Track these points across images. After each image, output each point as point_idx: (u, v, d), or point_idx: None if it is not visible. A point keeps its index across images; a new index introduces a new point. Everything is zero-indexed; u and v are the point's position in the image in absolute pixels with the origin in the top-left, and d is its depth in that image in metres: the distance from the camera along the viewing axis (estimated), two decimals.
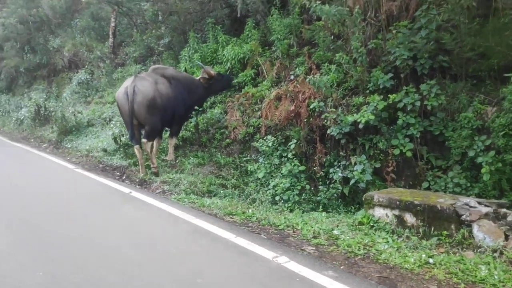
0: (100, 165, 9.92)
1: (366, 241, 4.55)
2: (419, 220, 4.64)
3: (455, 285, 3.50)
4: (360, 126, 6.54)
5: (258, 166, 7.77)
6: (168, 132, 9.56)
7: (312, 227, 5.06)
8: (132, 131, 8.34)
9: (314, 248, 4.48)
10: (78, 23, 20.10)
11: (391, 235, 4.71)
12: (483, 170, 5.55)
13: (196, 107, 9.32)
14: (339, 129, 6.90)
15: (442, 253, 4.13)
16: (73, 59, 20.14)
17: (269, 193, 6.99)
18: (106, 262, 4.19)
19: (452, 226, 4.37)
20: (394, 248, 4.33)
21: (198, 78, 9.52)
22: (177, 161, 9.12)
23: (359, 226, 5.08)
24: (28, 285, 3.69)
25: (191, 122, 9.70)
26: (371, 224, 5.03)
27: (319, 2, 7.04)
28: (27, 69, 22.19)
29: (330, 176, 7.02)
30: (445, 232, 4.40)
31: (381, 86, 6.82)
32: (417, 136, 6.38)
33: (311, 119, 7.55)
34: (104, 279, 3.79)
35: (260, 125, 8.48)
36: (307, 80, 7.34)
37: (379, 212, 5.10)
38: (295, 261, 4.01)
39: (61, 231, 5.20)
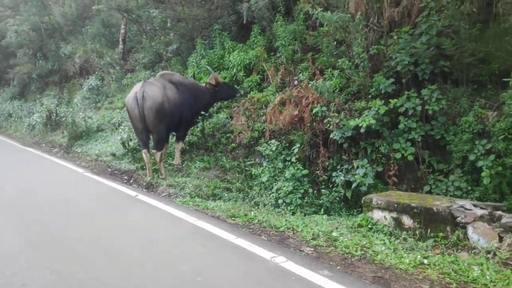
0: (109, 169, 10.13)
1: (364, 242, 4.65)
2: (416, 222, 4.73)
3: (447, 285, 3.58)
4: (362, 130, 6.65)
5: (262, 170, 7.90)
6: (175, 137, 9.75)
7: (312, 229, 5.17)
8: (141, 135, 8.54)
9: (312, 249, 4.59)
10: (89, 30, 20.49)
11: (389, 237, 4.80)
12: (483, 174, 5.62)
13: (202, 112, 9.50)
14: (341, 133, 7.01)
15: (437, 254, 4.21)
16: (84, 66, 20.52)
17: (272, 196, 7.12)
18: (111, 261, 4.35)
19: (448, 228, 4.45)
20: (390, 249, 4.42)
21: (204, 84, 9.71)
22: (183, 165, 9.29)
23: (358, 228, 5.18)
24: (36, 283, 3.86)
25: (197, 127, 9.88)
26: (370, 226, 5.13)
27: (321, 9, 7.17)
28: (39, 75, 22.65)
29: (333, 180, 7.13)
30: (441, 234, 4.49)
31: (382, 91, 6.92)
32: (419, 140, 6.45)
33: (314, 123, 7.66)
34: (108, 277, 3.95)
35: (264, 130, 8.62)
36: (310, 85, 7.46)
37: (377, 214, 5.20)
38: (293, 261, 4.13)
39: (69, 231, 5.38)
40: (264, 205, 6.91)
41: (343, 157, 7.24)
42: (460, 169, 6.17)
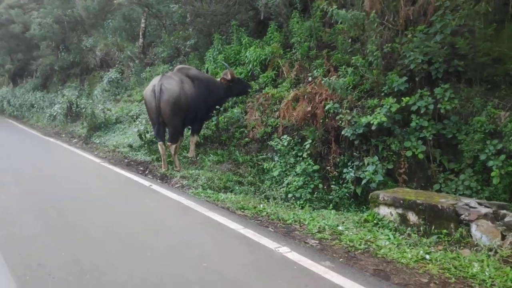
0: (125, 160, 10.38)
1: (369, 237, 4.73)
2: (420, 219, 4.79)
3: (446, 280, 3.65)
4: (373, 127, 6.69)
5: (273, 164, 8.02)
6: (190, 130, 9.93)
7: (319, 223, 5.27)
8: (157, 127, 8.74)
9: (317, 241, 4.69)
10: (110, 24, 20.82)
11: (394, 232, 4.87)
12: (493, 174, 5.64)
13: (217, 107, 9.65)
14: (353, 130, 7.07)
15: (440, 250, 4.27)
16: (105, 59, 20.90)
17: (283, 190, 7.23)
18: (122, 246, 4.54)
19: (452, 225, 4.50)
20: (394, 244, 4.50)
21: (219, 79, 9.87)
22: (197, 158, 9.48)
23: (364, 223, 5.26)
24: (50, 263, 4.07)
25: (212, 121, 10.04)
26: (375, 222, 5.20)
27: (335, 6, 7.22)
28: (61, 67, 23.15)
29: (344, 176, 7.20)
30: (444, 231, 4.54)
31: (395, 89, 6.94)
32: (430, 138, 6.47)
33: (326, 120, 7.73)
34: (119, 260, 4.14)
35: (278, 125, 8.73)
36: (323, 82, 7.53)
37: (384, 210, 5.27)
38: (296, 251, 4.25)
39: (84, 217, 5.61)
40: (274, 198, 7.03)
41: (354, 154, 7.30)
42: (471, 168, 6.18)
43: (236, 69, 11.28)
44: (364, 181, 6.72)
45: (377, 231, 4.93)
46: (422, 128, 6.52)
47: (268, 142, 8.64)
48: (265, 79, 10.31)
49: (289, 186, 7.18)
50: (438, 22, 6.67)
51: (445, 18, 6.62)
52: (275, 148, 8.03)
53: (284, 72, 9.86)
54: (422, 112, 6.48)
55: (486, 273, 3.64)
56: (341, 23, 7.66)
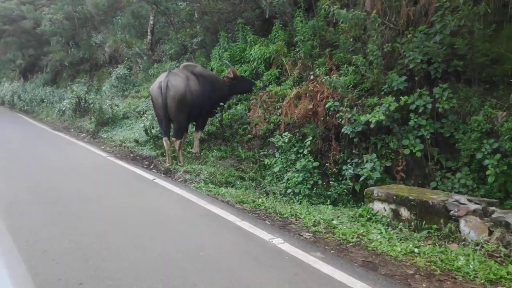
0: (131, 155, 10.61)
1: (361, 231, 4.89)
2: (412, 214, 4.93)
3: (431, 271, 3.80)
4: (372, 125, 6.82)
5: (275, 160, 8.18)
6: (195, 126, 10.13)
7: (314, 217, 5.43)
8: (163, 123, 8.94)
9: (311, 234, 4.86)
10: (120, 21, 21.08)
11: (386, 227, 5.01)
12: (488, 172, 5.74)
13: (221, 104, 9.83)
14: (352, 128, 7.20)
15: (429, 244, 4.41)
16: (114, 55, 21.18)
17: (282, 186, 7.40)
18: (124, 235, 4.74)
19: (442, 221, 4.63)
20: (385, 238, 4.64)
21: (222, 77, 10.05)
22: (201, 154, 9.67)
23: (358, 218, 5.41)
24: (55, 250, 4.28)
25: (216, 118, 10.23)
26: (369, 217, 5.35)
27: (337, 6, 7.35)
28: (71, 63, 23.50)
29: (343, 173, 7.34)
30: (434, 226, 4.67)
31: (395, 88, 7.05)
32: (428, 137, 6.58)
33: (327, 117, 7.87)
34: (120, 248, 4.34)
35: (280, 122, 8.88)
36: (324, 80, 7.67)
37: (377, 206, 5.41)
38: (289, 243, 4.42)
39: (88, 208, 5.82)
40: (274, 193, 7.19)
41: (354, 151, 7.43)
42: (467, 167, 6.28)
43: (241, 67, 11.46)
44: (362, 178, 6.85)
45: (370, 226, 5.08)
46: (420, 127, 6.63)
47: (270, 139, 8.80)
48: (269, 77, 10.47)
49: (288, 182, 7.33)
50: (438, 22, 6.78)
51: (445, 18, 6.71)
52: (276, 145, 8.20)
53: (288, 70, 10.01)
54: (420, 111, 6.58)
55: (471, 266, 3.78)
56: (342, 22, 7.79)
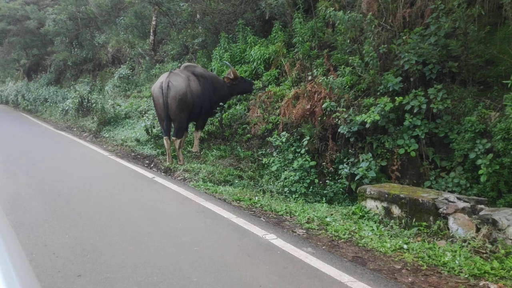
0: (132, 154, 10.76)
1: (353, 228, 5.02)
2: (403, 212, 5.05)
3: (418, 266, 3.92)
4: (367, 125, 6.94)
5: (272, 160, 8.31)
6: (195, 126, 10.27)
7: (308, 214, 5.56)
8: (163, 123, 9.09)
9: (304, 231, 4.99)
10: (122, 21, 21.28)
11: (378, 224, 5.14)
12: (480, 172, 5.84)
13: (220, 104, 9.97)
14: (348, 128, 7.32)
15: (418, 241, 4.53)
16: (116, 55, 21.37)
17: (279, 184, 7.53)
18: (122, 231, 4.88)
19: (431, 218, 4.76)
20: (376, 235, 4.77)
21: (223, 78, 10.19)
22: (201, 153, 9.81)
23: (351, 216, 5.53)
24: (55, 244, 4.43)
25: (216, 117, 10.37)
26: (362, 214, 5.47)
27: (332, 8, 7.47)
28: (75, 62, 23.71)
29: (339, 172, 7.46)
30: (424, 223, 4.80)
31: (390, 89, 7.17)
32: (422, 137, 6.70)
33: (324, 117, 7.99)
34: (118, 243, 4.48)
35: (278, 122, 9.01)
36: (321, 81, 7.80)
37: (370, 204, 5.54)
38: (282, 239, 4.55)
39: (89, 205, 5.97)
40: (271, 192, 7.32)
41: (350, 151, 7.56)
42: (461, 166, 6.39)
43: (241, 67, 11.60)
44: (357, 177, 6.97)
45: (363, 223, 5.21)
46: (415, 127, 6.75)
47: (268, 139, 8.93)
48: (268, 77, 10.61)
49: (285, 181, 7.46)
50: (433, 24, 6.89)
51: (440, 20, 6.83)
52: (274, 144, 8.33)
53: (286, 71, 10.14)
54: (415, 111, 6.70)
55: (457, 262, 3.91)
56: (338, 24, 7.91)
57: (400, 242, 4.47)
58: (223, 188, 7.17)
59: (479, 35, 6.67)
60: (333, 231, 4.93)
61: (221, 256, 4.11)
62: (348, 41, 8.35)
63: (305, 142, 7.96)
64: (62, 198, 6.31)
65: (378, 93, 7.43)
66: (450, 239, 4.44)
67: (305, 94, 8.65)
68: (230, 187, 7.35)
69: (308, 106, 8.35)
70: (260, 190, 7.52)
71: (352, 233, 4.85)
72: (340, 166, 7.49)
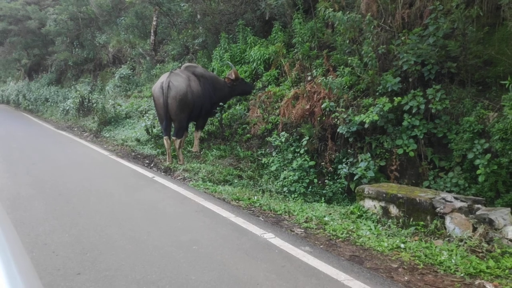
0: (133, 153, 10.80)
1: (351, 227, 5.05)
2: (401, 211, 5.08)
3: (415, 265, 3.96)
4: (366, 126, 6.97)
5: (272, 159, 8.35)
6: (195, 126, 10.31)
7: (307, 214, 5.60)
8: (164, 123, 9.13)
9: (302, 230, 5.02)
10: (123, 21, 21.30)
11: (376, 223, 5.17)
12: (478, 172, 5.87)
13: (220, 104, 10.01)
14: (347, 128, 7.35)
15: (415, 240, 4.56)
16: (117, 55, 21.41)
17: (279, 184, 7.56)
18: (121, 230, 4.91)
19: (428, 218, 4.79)
20: (374, 234, 4.80)
21: (223, 78, 10.23)
22: (201, 153, 9.85)
23: (350, 215, 5.57)
24: (55, 243, 4.47)
25: (216, 118, 10.40)
26: (360, 214, 5.51)
27: (331, 9, 7.50)
28: (75, 62, 23.75)
29: (338, 172, 7.50)
30: (421, 223, 4.83)
31: (389, 89, 7.20)
32: (421, 137, 6.73)
33: (323, 118, 8.03)
34: (117, 241, 4.52)
35: (278, 122, 9.05)
36: (320, 81, 7.83)
37: (368, 203, 5.57)
38: (280, 238, 4.59)
39: (88, 204, 6.01)
40: (270, 191, 7.36)
41: (349, 151, 7.59)
42: (459, 166, 6.42)
43: (241, 67, 11.63)
44: (356, 177, 7.00)
45: (360, 222, 5.25)
46: (414, 127, 6.78)
47: (267, 139, 8.97)
48: (268, 78, 10.65)
49: (285, 180, 7.50)
50: (431, 25, 6.92)
51: (438, 21, 6.85)
52: (273, 144, 8.37)
53: (286, 71, 10.17)
54: (414, 111, 6.72)
55: (453, 261, 3.94)
56: (337, 25, 7.94)
57: (397, 241, 4.50)
58: (223, 187, 7.21)
59: (477, 36, 6.70)
60: (331, 230, 4.97)
61: (220, 254, 4.15)
62: (347, 41, 8.38)
63: (305, 142, 7.99)
64: (62, 197, 6.35)
65: (377, 94, 7.46)
66: (447, 239, 4.47)
67: (305, 94, 8.68)
68: (230, 187, 7.38)
69: (308, 106, 8.39)
70: (260, 189, 7.56)
71: (350, 232, 4.89)
72: (339, 166, 7.52)
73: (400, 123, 7.02)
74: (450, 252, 4.12)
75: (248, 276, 3.67)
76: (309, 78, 9.02)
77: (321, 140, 8.10)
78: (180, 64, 15.02)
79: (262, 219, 5.44)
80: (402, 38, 7.17)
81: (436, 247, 4.29)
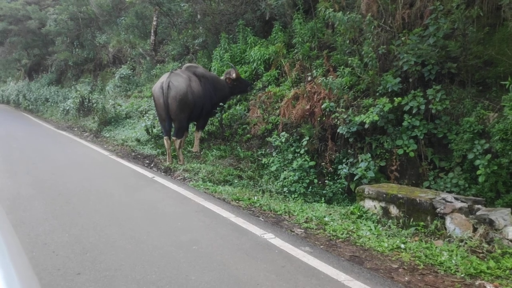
0: (133, 153, 10.80)
1: (351, 228, 5.05)
2: (401, 212, 5.08)
3: (415, 266, 3.95)
4: (366, 126, 6.97)
5: (272, 160, 8.35)
6: (195, 126, 10.31)
7: (307, 214, 5.59)
8: (164, 123, 9.13)
9: (303, 230, 5.02)
10: (123, 21, 21.30)
11: (376, 224, 5.17)
12: (478, 172, 5.87)
13: (220, 104, 10.01)
14: (347, 128, 7.35)
15: (416, 241, 4.56)
16: (117, 55, 21.40)
17: (279, 184, 7.56)
18: (121, 230, 4.91)
19: (429, 218, 4.78)
20: (374, 235, 4.80)
21: (223, 78, 10.23)
22: (201, 153, 9.85)
23: (350, 215, 5.56)
24: (55, 243, 4.46)
25: (216, 118, 10.40)
26: (360, 214, 5.50)
27: (332, 9, 7.50)
28: (76, 63, 23.76)
29: (338, 172, 7.49)
30: (422, 223, 4.83)
31: (389, 90, 7.20)
32: (421, 137, 6.72)
33: (324, 118, 8.02)
34: (117, 241, 4.51)
35: (278, 123, 9.05)
36: (320, 81, 7.83)
37: (368, 203, 5.56)
38: (280, 238, 4.59)
39: (88, 204, 6.00)
40: (270, 192, 7.36)
41: (349, 151, 7.58)
42: (460, 167, 6.41)
43: (241, 67, 11.63)
44: (356, 177, 7.00)
45: (361, 223, 5.24)
46: (414, 128, 6.77)
47: (267, 139, 8.96)
48: (268, 78, 10.64)
49: (285, 181, 7.50)
50: (431, 25, 6.91)
51: (439, 21, 6.85)
52: (273, 144, 8.37)
53: (286, 71, 10.17)
54: (414, 112, 6.72)
55: (453, 261, 3.93)
56: (337, 25, 7.94)
57: (398, 241, 4.50)
58: (223, 187, 7.20)
59: (477, 36, 6.69)
60: (331, 230, 4.96)
61: (220, 255, 4.15)
62: (348, 42, 8.38)
63: (305, 142, 7.99)
64: (62, 197, 6.35)
65: (377, 94, 7.46)
66: (447, 239, 4.47)
67: (305, 95, 8.68)
68: (230, 187, 7.38)
69: (308, 107, 8.39)
70: (260, 190, 7.56)
71: (350, 233, 4.88)
72: (339, 166, 7.51)
73: (400, 123, 7.02)
74: (450, 252, 4.12)
75: (248, 276, 3.67)
76: (309, 78, 9.02)
77: (321, 140, 8.10)
78: (180, 64, 15.03)
79: (262, 219, 5.44)
80: (403, 38, 7.16)
81: (436, 247, 4.28)
